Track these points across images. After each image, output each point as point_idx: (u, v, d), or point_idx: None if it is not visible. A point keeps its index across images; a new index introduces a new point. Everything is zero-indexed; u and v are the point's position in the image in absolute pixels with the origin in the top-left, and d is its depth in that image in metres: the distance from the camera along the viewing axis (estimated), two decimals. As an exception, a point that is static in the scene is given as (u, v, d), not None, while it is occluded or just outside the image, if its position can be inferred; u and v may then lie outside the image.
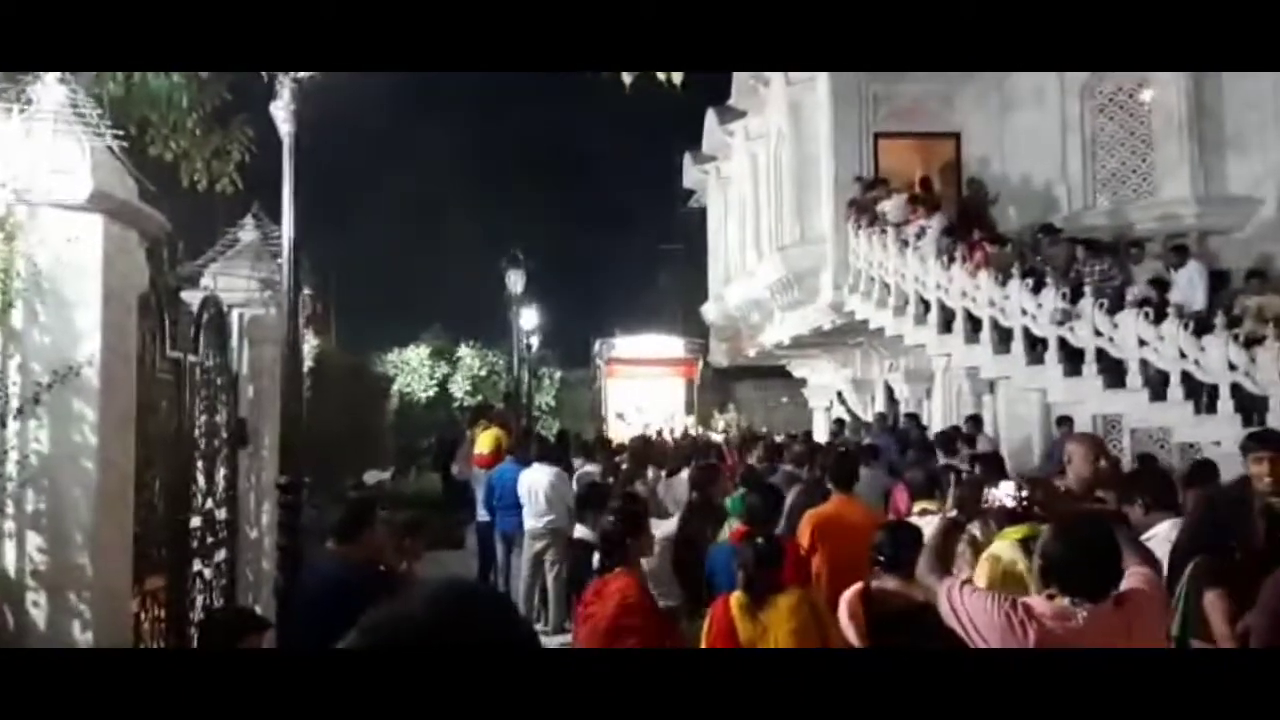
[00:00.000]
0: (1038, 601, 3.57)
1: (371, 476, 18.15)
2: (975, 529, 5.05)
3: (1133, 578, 3.74)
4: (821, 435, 19.71)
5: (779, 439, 16.31)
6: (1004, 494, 4.64)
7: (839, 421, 19.47)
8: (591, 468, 11.94)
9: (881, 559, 4.74)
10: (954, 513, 4.29)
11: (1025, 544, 4.38)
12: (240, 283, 8.63)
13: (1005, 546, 4.65)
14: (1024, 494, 4.66)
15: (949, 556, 4.09)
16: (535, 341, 25.89)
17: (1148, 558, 4.01)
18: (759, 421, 28.02)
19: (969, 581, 3.93)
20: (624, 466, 11.56)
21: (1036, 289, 14.01)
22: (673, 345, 29.67)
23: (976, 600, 3.62)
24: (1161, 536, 4.80)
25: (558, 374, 30.80)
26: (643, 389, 29.01)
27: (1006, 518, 4.76)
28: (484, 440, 13.96)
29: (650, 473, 10.83)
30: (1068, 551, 3.56)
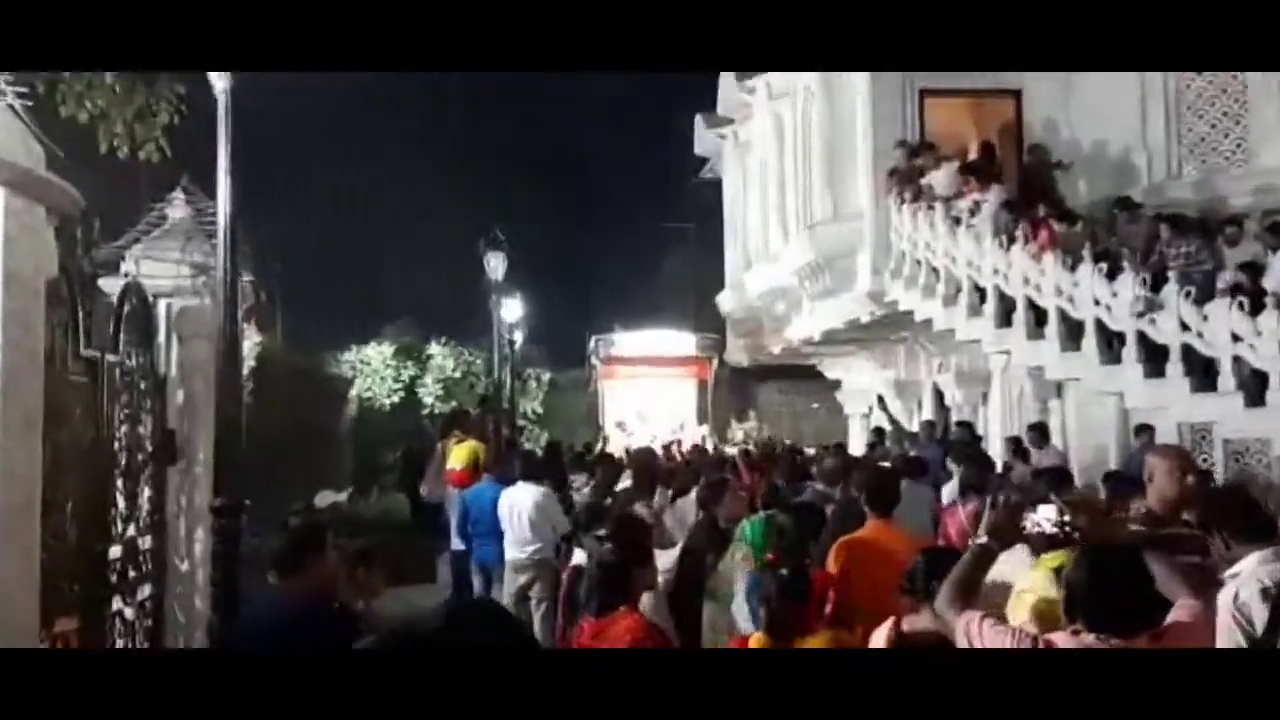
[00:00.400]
0: (1061, 637, 3.61)
1: (324, 498, 17.98)
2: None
3: (1178, 610, 3.79)
4: (858, 447, 19.08)
5: (808, 451, 15.81)
6: (1043, 518, 4.65)
7: (878, 431, 19.13)
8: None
9: (910, 588, 4.70)
10: (985, 539, 4.29)
11: (1060, 573, 4.37)
12: (168, 268, 8.51)
13: (1039, 577, 4.65)
14: (1065, 518, 4.66)
15: (975, 588, 4.12)
16: (519, 337, 25.17)
17: (1199, 588, 4.01)
18: (784, 431, 27.35)
19: (990, 615, 3.96)
20: (624, 485, 11.13)
21: (1112, 275, 13.56)
22: (682, 341, 29.30)
23: (996, 636, 3.67)
24: (1248, 574, 4.67)
25: (546, 376, 30.19)
26: (646, 393, 28.48)
27: (1047, 544, 4.74)
28: (458, 454, 13.56)
29: (656, 495, 10.40)
30: (1092, 581, 3.63)
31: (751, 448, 21.94)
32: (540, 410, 29.79)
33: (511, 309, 23.22)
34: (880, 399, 21.60)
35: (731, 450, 20.75)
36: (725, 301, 26.83)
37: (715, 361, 28.71)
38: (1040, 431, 15.01)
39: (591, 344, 29.75)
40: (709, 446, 24.04)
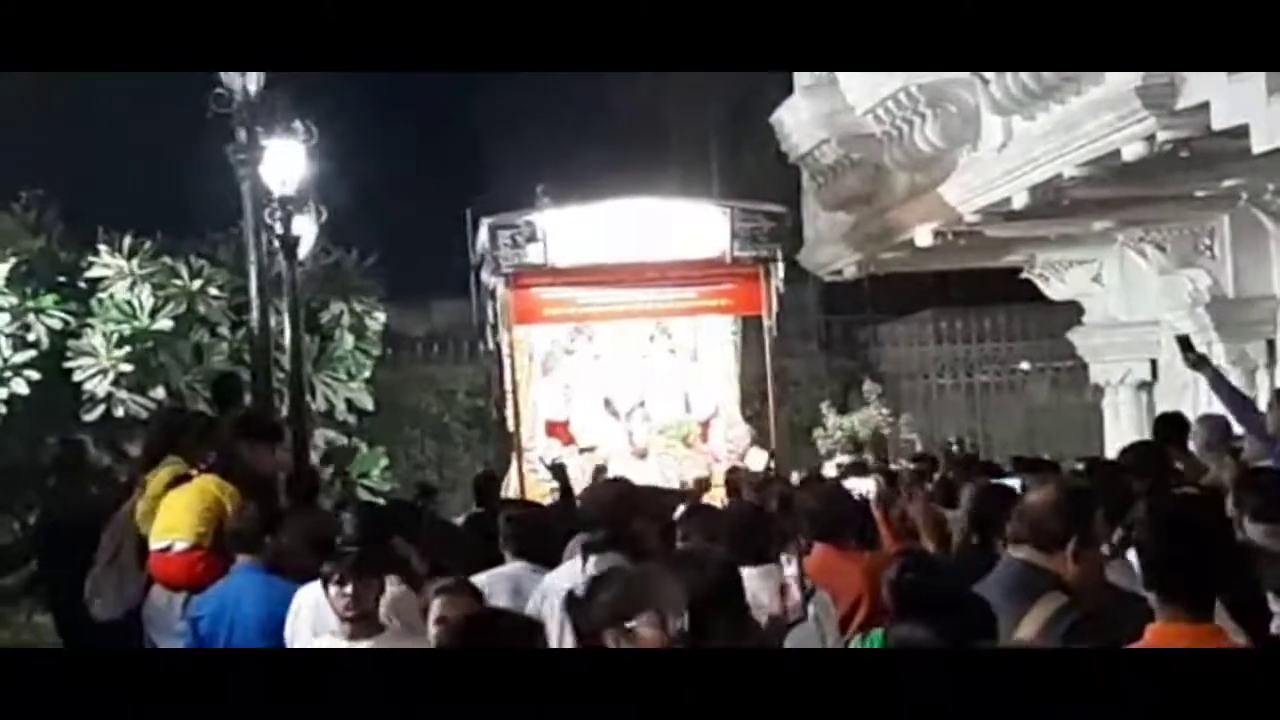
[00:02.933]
0: None
1: None
2: None
3: None
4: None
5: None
6: None
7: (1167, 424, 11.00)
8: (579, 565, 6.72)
9: None
10: None
11: None
12: None
13: None
14: None
15: None
16: (310, 234, 14.25)
17: None
18: (947, 430, 18.69)
19: None
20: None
21: None
22: (697, 226, 15.02)
23: None
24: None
25: (379, 317, 17.28)
26: (621, 351, 15.28)
27: None
28: (177, 509, 8.95)
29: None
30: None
31: (886, 466, 13.46)
32: (367, 397, 16.73)
33: (283, 163, 12.51)
34: (1184, 343, 11.66)
35: (861, 484, 10.67)
36: (796, 121, 15.27)
37: (776, 271, 15.10)
38: None
39: (484, 237, 15.12)
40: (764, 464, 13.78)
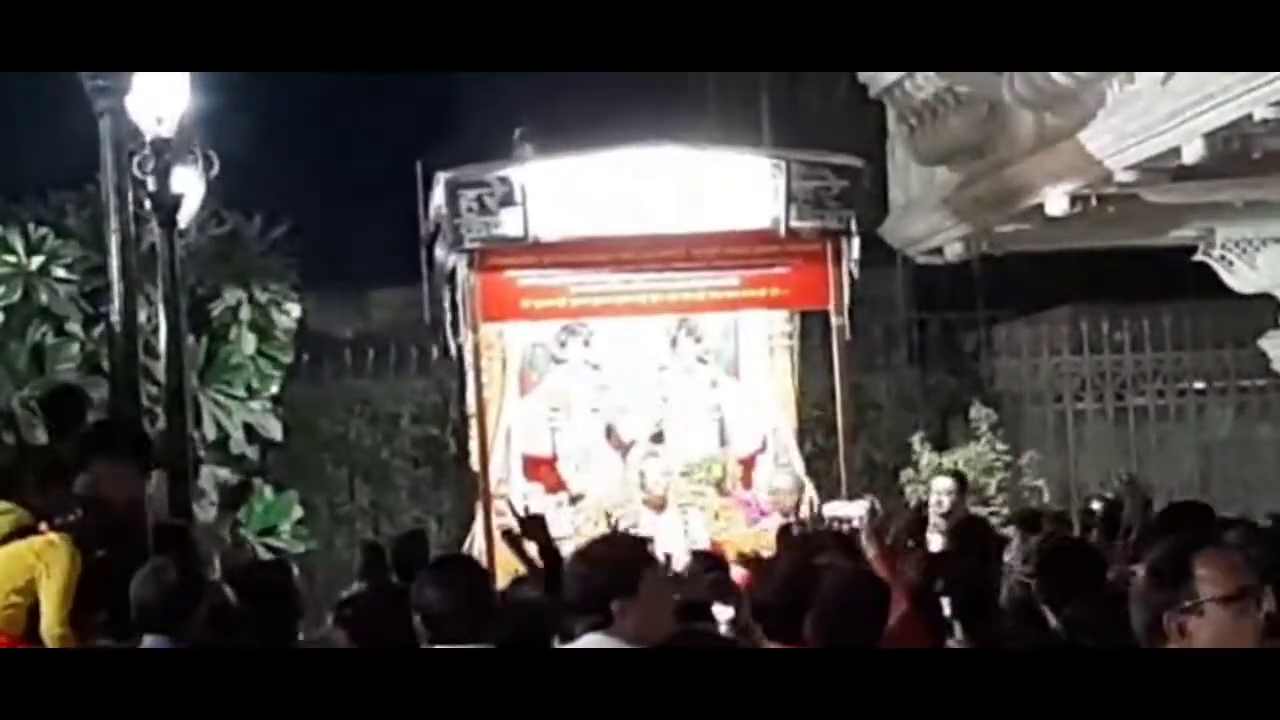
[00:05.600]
0: None
1: None
2: None
3: None
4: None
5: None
6: None
7: None
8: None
9: None
10: None
11: None
12: None
13: None
14: None
15: None
16: (198, 193, 15.49)
17: None
18: (1097, 473, 19.27)
19: None
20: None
21: None
22: (741, 190, 15.84)
23: None
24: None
25: (293, 311, 18.75)
26: (630, 358, 16.41)
27: None
28: None
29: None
30: None
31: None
32: (274, 423, 18.00)
33: (158, 92, 13.64)
34: None
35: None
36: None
37: (850, 249, 15.91)
38: None
39: (442, 199, 15.77)
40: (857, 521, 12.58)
